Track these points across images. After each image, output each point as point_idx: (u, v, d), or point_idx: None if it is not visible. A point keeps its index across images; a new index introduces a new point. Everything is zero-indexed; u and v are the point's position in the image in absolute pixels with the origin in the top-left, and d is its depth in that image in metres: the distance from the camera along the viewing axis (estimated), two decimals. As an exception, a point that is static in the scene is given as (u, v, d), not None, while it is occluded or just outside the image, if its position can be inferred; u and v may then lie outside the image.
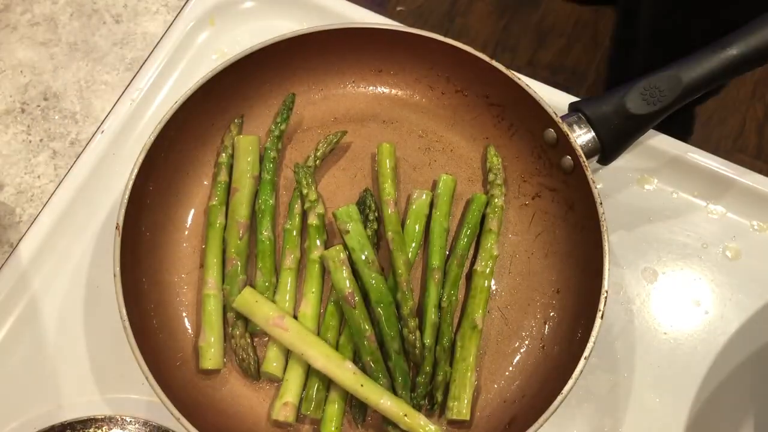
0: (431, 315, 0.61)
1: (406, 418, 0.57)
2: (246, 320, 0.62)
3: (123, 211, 0.59)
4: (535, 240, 0.66)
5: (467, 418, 0.59)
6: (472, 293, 0.63)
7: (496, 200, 0.66)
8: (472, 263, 0.65)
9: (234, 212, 0.65)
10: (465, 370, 0.60)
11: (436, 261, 0.63)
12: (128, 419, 0.62)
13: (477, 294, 0.62)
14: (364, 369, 0.59)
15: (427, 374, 0.60)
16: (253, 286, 0.63)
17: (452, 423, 0.61)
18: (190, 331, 0.63)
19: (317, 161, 0.67)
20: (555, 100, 0.69)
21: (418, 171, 0.69)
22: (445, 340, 0.61)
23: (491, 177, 0.67)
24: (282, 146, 0.69)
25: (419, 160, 0.70)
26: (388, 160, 0.67)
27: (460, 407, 0.59)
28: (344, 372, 0.58)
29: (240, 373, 0.62)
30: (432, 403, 0.60)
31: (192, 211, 0.67)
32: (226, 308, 0.63)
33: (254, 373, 0.61)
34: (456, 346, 0.61)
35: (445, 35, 0.67)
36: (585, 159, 0.62)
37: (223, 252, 0.65)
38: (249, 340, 0.62)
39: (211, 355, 0.61)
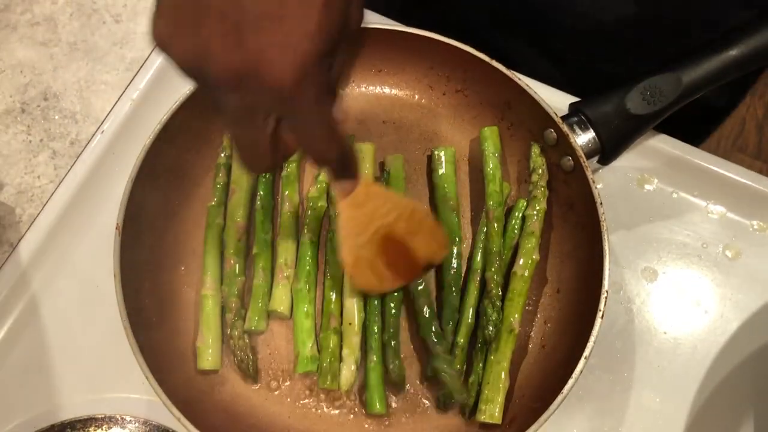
0: (468, 316, 0.62)
1: None
2: (244, 321, 0.62)
3: (123, 211, 0.59)
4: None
5: (499, 421, 0.59)
6: (510, 296, 0.62)
7: (539, 203, 0.64)
8: (510, 264, 0.64)
9: (232, 213, 0.65)
10: (499, 373, 0.60)
11: (479, 263, 0.64)
12: (128, 419, 0.62)
13: (515, 297, 0.62)
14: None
15: (457, 372, 0.60)
16: (251, 287, 0.63)
17: (483, 426, 0.61)
18: (190, 330, 0.63)
19: None
20: (555, 100, 0.69)
21: (418, 171, 0.69)
22: (480, 342, 0.61)
23: (535, 178, 0.65)
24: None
25: (419, 161, 0.70)
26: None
27: (492, 410, 0.59)
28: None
29: (239, 373, 0.62)
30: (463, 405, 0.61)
31: (191, 212, 0.67)
32: (224, 309, 0.63)
33: (252, 373, 0.61)
34: (492, 349, 0.61)
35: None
36: (585, 159, 0.62)
37: (222, 253, 0.65)
38: (247, 341, 0.62)
39: (209, 356, 0.61)
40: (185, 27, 0.37)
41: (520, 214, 0.65)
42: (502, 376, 0.59)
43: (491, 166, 0.66)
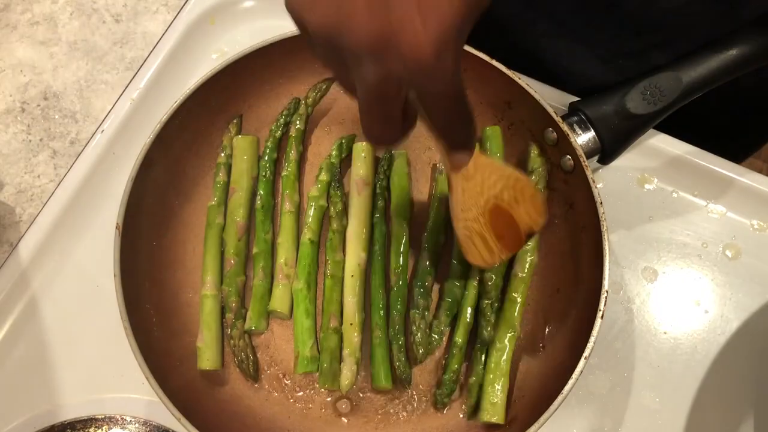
0: (466, 316, 0.62)
1: None
2: (244, 321, 0.62)
3: (123, 211, 0.59)
4: (535, 240, 0.66)
5: (503, 421, 0.59)
6: (510, 297, 0.62)
7: None
8: (510, 265, 0.64)
9: (232, 212, 0.65)
10: (501, 373, 0.60)
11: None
12: (128, 419, 0.62)
13: (515, 298, 0.62)
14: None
15: (454, 372, 0.61)
16: (251, 287, 0.63)
17: (488, 427, 0.60)
18: (190, 330, 0.63)
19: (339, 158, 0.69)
20: (555, 99, 0.69)
21: (418, 171, 0.69)
22: (479, 342, 0.61)
23: (534, 178, 0.65)
24: (281, 147, 0.69)
25: (419, 160, 0.70)
26: None
27: (495, 410, 0.59)
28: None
29: (239, 374, 0.62)
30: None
31: (191, 212, 0.67)
32: (224, 309, 0.63)
33: (252, 374, 0.61)
34: (492, 349, 0.61)
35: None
36: (585, 159, 0.62)
37: (222, 252, 0.65)
38: (247, 341, 0.62)
39: (209, 356, 0.61)
40: None
41: None
42: (503, 377, 0.60)
43: None
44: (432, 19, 0.36)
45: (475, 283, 0.63)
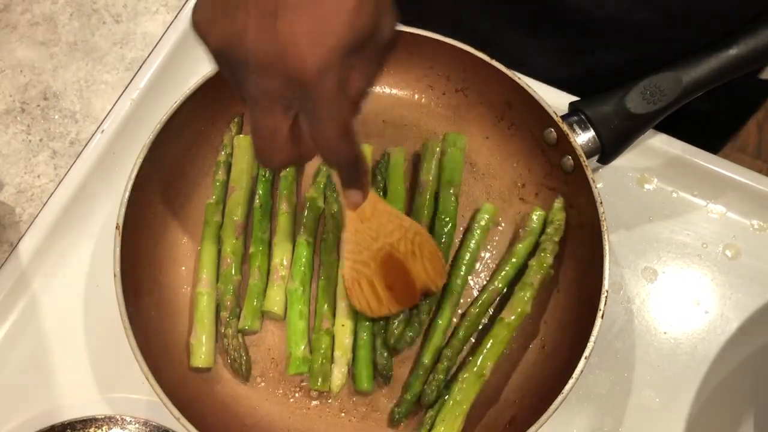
0: (437, 337, 0.61)
1: None
2: (238, 320, 0.62)
3: (123, 211, 0.59)
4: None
5: None
6: (490, 340, 0.60)
7: (547, 257, 0.62)
8: (501, 306, 0.62)
9: (231, 211, 0.65)
10: (457, 415, 0.58)
11: (458, 285, 0.63)
12: (128, 419, 0.62)
13: (496, 343, 0.60)
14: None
15: (415, 394, 0.59)
16: (247, 286, 0.63)
17: None
18: (190, 330, 0.63)
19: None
20: (555, 99, 0.69)
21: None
22: (441, 379, 0.59)
23: (550, 230, 0.63)
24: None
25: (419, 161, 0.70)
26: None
27: None
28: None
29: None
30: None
31: (191, 211, 0.67)
32: (219, 307, 0.63)
33: (244, 373, 0.61)
34: (454, 387, 0.59)
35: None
36: (585, 159, 0.62)
37: (219, 251, 0.65)
38: (241, 340, 0.62)
39: (202, 353, 0.61)
40: (224, 11, 0.40)
41: (520, 262, 0.64)
42: (460, 419, 0.58)
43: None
44: (317, 41, 0.39)
45: (452, 306, 0.62)
